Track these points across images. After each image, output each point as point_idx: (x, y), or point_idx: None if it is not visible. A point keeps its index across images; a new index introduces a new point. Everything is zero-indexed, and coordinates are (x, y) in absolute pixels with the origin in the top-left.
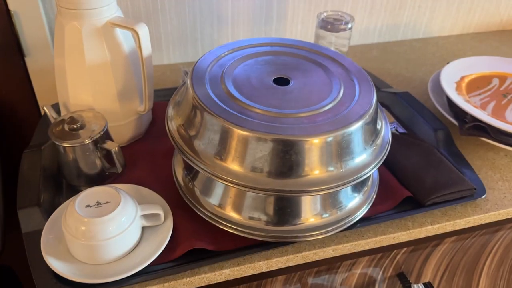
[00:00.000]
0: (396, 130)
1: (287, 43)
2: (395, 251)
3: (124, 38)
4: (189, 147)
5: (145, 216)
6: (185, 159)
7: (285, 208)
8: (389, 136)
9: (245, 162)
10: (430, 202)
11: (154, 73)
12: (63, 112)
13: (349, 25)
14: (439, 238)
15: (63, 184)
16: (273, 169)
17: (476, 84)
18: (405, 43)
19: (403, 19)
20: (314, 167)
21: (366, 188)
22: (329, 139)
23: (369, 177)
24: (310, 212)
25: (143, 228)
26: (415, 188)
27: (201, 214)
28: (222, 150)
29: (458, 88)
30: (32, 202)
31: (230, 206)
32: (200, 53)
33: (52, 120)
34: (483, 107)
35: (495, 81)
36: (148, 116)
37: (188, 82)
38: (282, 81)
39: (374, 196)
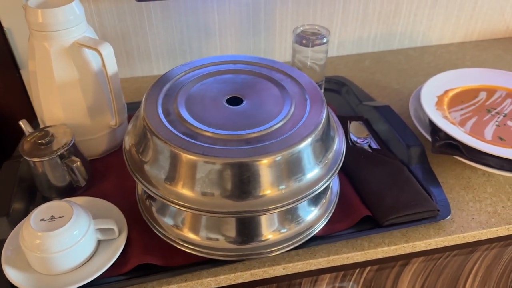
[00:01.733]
0: (369, 145)
1: (250, 61)
2: (359, 269)
3: (92, 56)
4: (139, 169)
5: (100, 230)
6: (136, 180)
7: (242, 227)
8: (342, 150)
9: (195, 186)
10: (388, 222)
11: (143, 84)
12: (41, 126)
13: (325, 40)
14: (404, 258)
15: (37, 195)
16: (223, 192)
17: (461, 98)
18: (401, 52)
19: (399, 28)
20: (265, 187)
21: (324, 201)
22: (278, 158)
23: (326, 189)
24: (268, 229)
25: (100, 241)
26: (375, 207)
27: (157, 233)
28: (171, 174)
29: (439, 102)
30: (1, 212)
31: (186, 227)
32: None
33: (27, 134)
34: (462, 123)
35: (482, 95)
36: (123, 128)
37: (142, 101)
38: (235, 101)
39: (333, 209)
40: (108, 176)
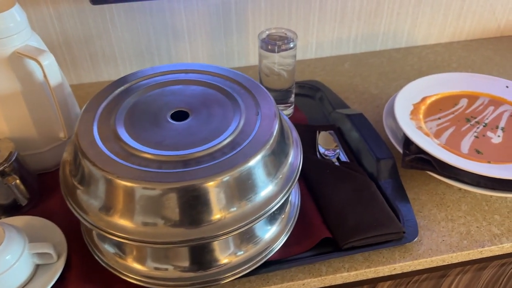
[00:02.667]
0: (337, 158)
1: (204, 70)
2: None
3: (36, 66)
4: (72, 194)
5: (37, 254)
6: (69, 206)
7: (194, 255)
8: (298, 163)
9: (135, 216)
10: (348, 245)
11: None
12: None
13: (291, 44)
14: (370, 283)
15: None
16: (166, 220)
17: (439, 106)
18: (383, 53)
19: (381, 28)
20: (214, 211)
21: (283, 216)
22: (225, 179)
23: (284, 204)
24: (222, 253)
25: (38, 265)
26: (336, 229)
27: (99, 260)
28: (106, 202)
29: (414, 111)
30: None
31: (130, 256)
32: None
33: None
34: (437, 134)
35: (463, 102)
36: None
37: (80, 115)
38: (180, 116)
39: (294, 224)
40: (57, 191)
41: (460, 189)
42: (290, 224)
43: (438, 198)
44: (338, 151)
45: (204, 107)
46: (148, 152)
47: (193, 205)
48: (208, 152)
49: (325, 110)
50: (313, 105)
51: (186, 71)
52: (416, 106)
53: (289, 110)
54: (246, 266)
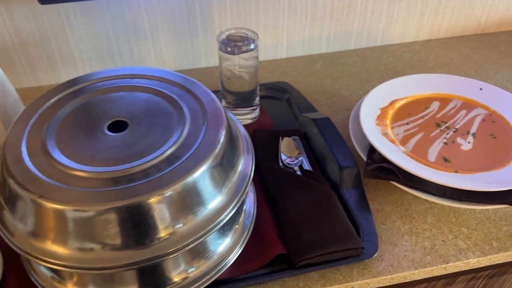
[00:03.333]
0: (300, 166)
1: (151, 75)
2: None
3: None
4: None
5: None
6: None
7: (140, 277)
8: (249, 170)
9: (69, 240)
10: (302, 263)
11: None
12: None
13: (252, 45)
14: None
15: None
16: (103, 244)
17: (409, 110)
18: (357, 53)
19: (354, 26)
20: (157, 230)
21: (237, 226)
22: (168, 194)
23: (237, 214)
24: (172, 272)
25: None
26: (291, 244)
27: (36, 283)
28: (35, 225)
29: (381, 116)
30: None
31: (69, 281)
32: None
33: None
34: (404, 141)
35: (434, 105)
36: None
37: (10, 127)
38: (119, 126)
39: (249, 234)
40: None
41: (427, 199)
42: (244, 235)
43: (403, 209)
44: (301, 158)
45: (146, 117)
46: (77, 169)
47: (133, 226)
48: (147, 167)
49: (292, 113)
50: (281, 108)
51: (132, 76)
52: (384, 111)
53: (254, 114)
54: (199, 283)
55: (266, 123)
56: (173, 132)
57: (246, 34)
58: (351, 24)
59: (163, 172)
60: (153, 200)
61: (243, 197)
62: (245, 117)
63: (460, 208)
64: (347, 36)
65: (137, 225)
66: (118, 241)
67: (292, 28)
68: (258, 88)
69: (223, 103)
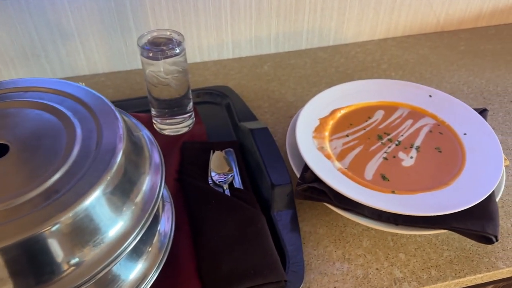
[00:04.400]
0: (231, 184)
1: (48, 88)
2: None
3: None
4: None
5: None
6: None
7: None
8: (157, 187)
9: None
10: None
11: None
12: None
13: (177, 50)
14: None
15: None
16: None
17: (350, 120)
18: (309, 53)
19: (304, 25)
20: (48, 269)
21: (150, 249)
22: (55, 228)
23: (150, 235)
24: None
25: None
26: (207, 277)
27: None
28: None
29: (319, 127)
30: None
31: None
32: (48, 71)
33: None
34: (341, 156)
35: (378, 115)
36: None
37: None
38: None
39: (165, 256)
40: None
41: (359, 223)
42: (160, 259)
43: (338, 231)
44: (231, 175)
45: (32, 139)
46: None
47: (16, 267)
48: (30, 197)
49: (231, 122)
50: (220, 116)
51: (26, 89)
52: (323, 121)
53: (189, 121)
54: None
55: (199, 135)
56: (58, 158)
57: (171, 37)
58: (301, 23)
59: (49, 202)
60: (37, 236)
61: (149, 220)
62: (178, 126)
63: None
64: (297, 35)
65: (20, 266)
66: (11, 284)
67: (237, 27)
68: (190, 93)
69: (153, 112)
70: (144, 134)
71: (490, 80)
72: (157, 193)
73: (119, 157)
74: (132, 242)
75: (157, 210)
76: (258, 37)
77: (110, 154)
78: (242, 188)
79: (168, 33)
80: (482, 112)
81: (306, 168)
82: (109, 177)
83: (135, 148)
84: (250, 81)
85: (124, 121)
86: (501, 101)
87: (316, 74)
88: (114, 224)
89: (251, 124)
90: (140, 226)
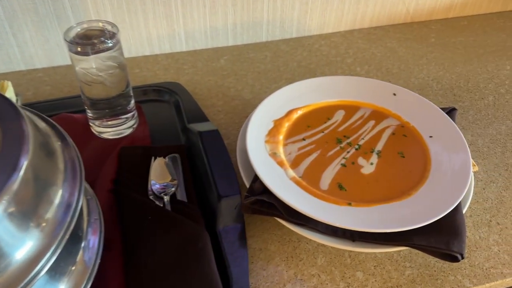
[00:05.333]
0: (173, 196)
1: None
2: None
3: None
4: None
5: None
6: None
7: None
8: (75, 199)
9: None
10: None
11: None
12: None
13: (110, 43)
14: None
15: None
16: None
17: (308, 122)
18: (270, 46)
19: (264, 15)
20: None
21: (73, 268)
22: None
23: (71, 255)
24: None
25: None
26: None
27: None
28: None
29: (273, 130)
30: None
31: None
32: None
33: None
34: (296, 162)
35: (338, 115)
36: None
37: None
38: None
39: (93, 276)
40: None
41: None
42: (84, 282)
43: (291, 247)
44: (175, 185)
45: None
46: None
47: None
48: None
49: (180, 123)
50: (168, 116)
51: None
52: (278, 123)
53: (131, 122)
54: None
55: (141, 138)
56: None
57: (103, 28)
58: (260, 13)
59: None
60: None
61: (65, 238)
62: (120, 128)
63: None
64: (256, 26)
65: None
66: None
67: (189, 16)
68: (130, 90)
69: (89, 114)
70: (61, 141)
71: (461, 75)
72: (73, 208)
73: (22, 170)
74: (45, 265)
75: (79, 227)
76: (214, 27)
77: (10, 167)
78: (186, 200)
79: (101, 24)
80: (451, 111)
81: (256, 178)
82: (8, 195)
83: (45, 158)
84: (204, 76)
85: (36, 127)
86: (472, 98)
87: (277, 69)
88: (21, 245)
89: (200, 126)
90: (54, 246)
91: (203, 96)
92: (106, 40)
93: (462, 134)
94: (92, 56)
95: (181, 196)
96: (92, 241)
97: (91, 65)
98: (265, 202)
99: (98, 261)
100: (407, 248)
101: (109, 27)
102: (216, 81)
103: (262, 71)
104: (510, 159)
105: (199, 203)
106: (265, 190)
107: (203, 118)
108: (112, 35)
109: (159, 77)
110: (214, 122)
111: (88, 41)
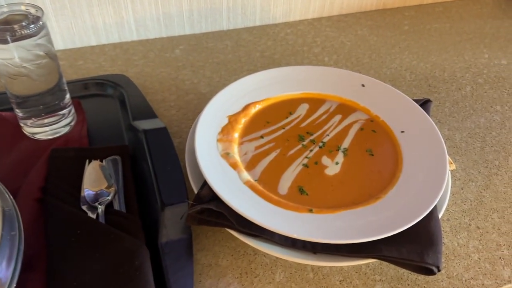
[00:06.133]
0: (109, 205)
1: None
2: None
3: None
4: None
5: None
6: None
7: None
8: None
9: None
10: None
11: None
12: None
13: (33, 28)
14: None
15: None
16: None
17: (267, 117)
18: (231, 35)
19: (223, 1)
20: None
21: None
22: None
23: None
24: None
25: None
26: None
27: None
28: None
29: (227, 127)
30: None
31: None
32: None
33: None
34: (252, 163)
35: (302, 109)
36: None
37: None
38: None
39: None
40: None
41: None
42: None
43: (245, 261)
44: (111, 193)
45: None
46: None
47: None
48: None
49: (124, 121)
50: (111, 113)
51: None
52: (233, 119)
53: (65, 122)
54: None
55: (78, 138)
56: None
57: (28, 12)
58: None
59: None
60: None
61: None
62: (55, 127)
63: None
64: (216, 13)
65: None
66: None
67: (139, 2)
68: (63, 84)
69: (18, 113)
70: None
71: (436, 65)
72: None
73: None
74: None
75: None
76: (167, 14)
77: None
78: (124, 210)
79: (24, 7)
80: (425, 103)
81: (205, 183)
82: None
83: None
84: (156, 68)
85: None
86: (448, 89)
87: (238, 59)
88: None
89: (147, 123)
90: None
91: (154, 90)
92: (29, 25)
93: (437, 128)
94: (12, 44)
95: (119, 205)
96: (6, 261)
97: (13, 54)
98: (213, 211)
99: (14, 285)
100: (376, 260)
101: (33, 11)
102: (169, 73)
103: (222, 61)
104: (489, 155)
105: (140, 213)
106: (214, 197)
107: (151, 115)
108: (36, 20)
109: (105, 69)
110: (164, 119)
111: (7, 26)
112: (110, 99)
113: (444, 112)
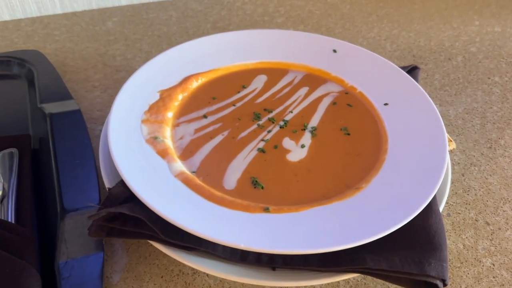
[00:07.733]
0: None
1: None
2: None
3: None
4: None
5: None
6: None
7: None
8: None
9: None
10: None
11: None
12: None
13: None
14: None
15: None
16: None
17: (212, 93)
18: (178, 4)
19: None
20: None
21: None
22: None
23: None
24: None
25: None
26: None
27: None
28: None
29: (158, 105)
30: None
31: None
32: None
33: None
34: (189, 150)
35: (258, 82)
36: None
37: None
38: None
39: None
40: None
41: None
42: None
43: (181, 284)
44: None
45: None
46: None
47: None
48: None
49: (30, 105)
50: (17, 95)
51: None
52: (167, 95)
53: None
54: None
55: None
56: None
57: None
58: None
59: None
60: None
61: None
62: None
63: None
64: None
65: None
66: None
67: None
68: None
69: None
70: None
71: (420, 33)
72: None
73: None
74: None
75: None
76: None
77: None
78: (13, 220)
79: None
80: (411, 71)
81: (121, 183)
82: None
83: None
84: (81, 43)
85: None
86: (436, 60)
87: (184, 31)
88: None
89: (56, 106)
90: None
91: (75, 67)
92: None
93: (430, 99)
94: None
95: (8, 213)
96: None
97: None
98: (129, 217)
99: None
100: (358, 274)
101: None
102: (96, 49)
103: (164, 34)
104: (492, 133)
105: (37, 223)
106: (130, 197)
107: (64, 96)
108: None
109: (17, 46)
110: (84, 101)
111: None
112: (17, 80)
113: (433, 85)
